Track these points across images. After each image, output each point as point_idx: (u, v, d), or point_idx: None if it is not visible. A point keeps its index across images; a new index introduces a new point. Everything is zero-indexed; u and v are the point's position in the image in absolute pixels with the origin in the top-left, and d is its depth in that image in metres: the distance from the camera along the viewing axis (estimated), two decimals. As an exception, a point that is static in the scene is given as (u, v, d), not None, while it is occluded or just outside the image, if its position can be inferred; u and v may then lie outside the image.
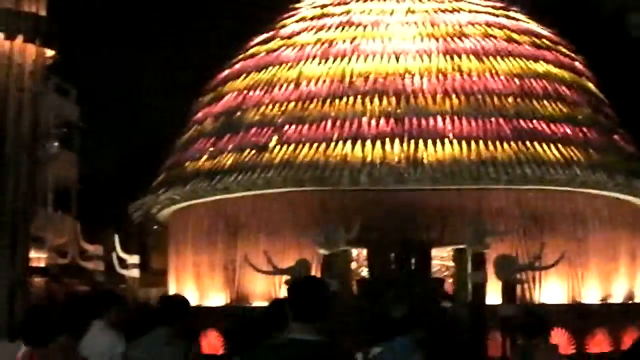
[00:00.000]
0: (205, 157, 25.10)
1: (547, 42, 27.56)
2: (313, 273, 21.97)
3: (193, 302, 24.09)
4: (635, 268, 25.74)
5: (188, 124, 27.78)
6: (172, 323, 7.86)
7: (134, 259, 27.09)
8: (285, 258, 22.94)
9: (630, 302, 24.92)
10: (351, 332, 15.62)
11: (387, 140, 23.28)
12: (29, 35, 18.85)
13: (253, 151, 24.12)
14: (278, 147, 23.91)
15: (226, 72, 28.11)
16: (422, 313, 18.29)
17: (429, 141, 23.18)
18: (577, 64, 27.63)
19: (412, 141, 23.22)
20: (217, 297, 24.28)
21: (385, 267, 19.03)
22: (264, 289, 23.26)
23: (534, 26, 28.18)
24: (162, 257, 30.13)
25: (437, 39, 25.85)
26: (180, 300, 8.19)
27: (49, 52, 19.44)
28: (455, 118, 23.80)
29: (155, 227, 29.84)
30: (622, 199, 25.41)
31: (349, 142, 23.38)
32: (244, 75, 26.98)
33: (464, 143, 23.24)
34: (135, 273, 26.77)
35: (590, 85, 27.37)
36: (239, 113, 25.70)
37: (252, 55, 27.73)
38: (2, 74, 18.57)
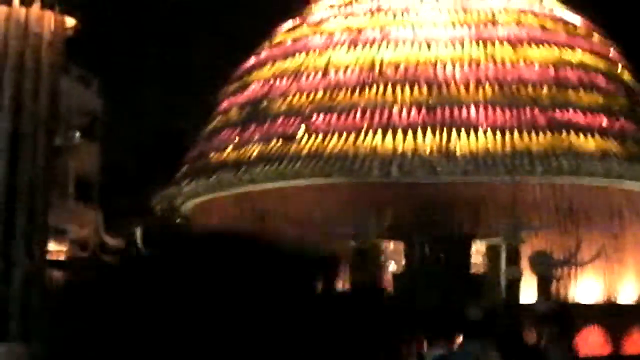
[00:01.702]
0: (230, 147, 24.48)
1: (582, 30, 26.77)
2: (343, 266, 21.35)
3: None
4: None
5: (212, 114, 27.13)
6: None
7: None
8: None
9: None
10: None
11: (419, 130, 22.59)
12: (47, 1, 16.40)
13: (280, 141, 23.50)
14: (306, 137, 23.28)
15: (252, 60, 27.45)
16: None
17: (462, 131, 22.49)
18: (612, 52, 26.80)
19: (445, 132, 22.53)
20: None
21: (422, 261, 18.32)
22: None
23: (567, 14, 27.35)
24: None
25: (469, 26, 25.12)
26: None
27: (70, 22, 17.17)
28: (489, 108, 23.09)
29: (178, 219, 29.20)
30: (658, 193, 24.61)
31: (379, 133, 22.73)
32: (270, 63, 26.33)
33: (497, 133, 22.52)
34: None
35: (626, 74, 26.54)
36: (265, 102, 25.07)
37: (279, 44, 27.07)
38: (17, 44, 16.32)
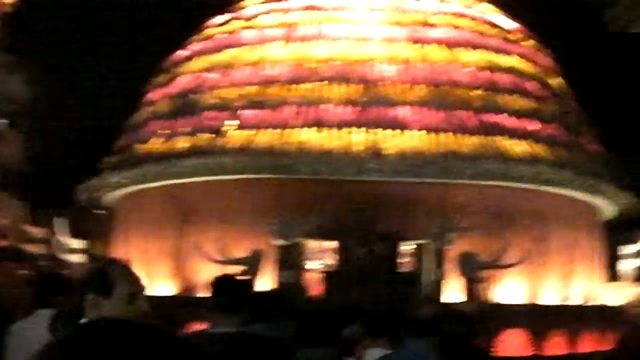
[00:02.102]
0: (157, 139, 23.97)
1: (516, 36, 26.85)
2: (267, 264, 21.06)
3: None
4: (593, 270, 25.14)
5: (140, 106, 26.58)
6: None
7: (79, 244, 25.82)
8: (238, 248, 21.98)
9: (587, 304, 24.28)
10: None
11: (350, 128, 22.33)
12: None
13: (208, 135, 23.05)
14: (235, 131, 22.85)
15: (182, 53, 26.97)
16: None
17: (393, 131, 22.30)
18: (545, 58, 26.92)
19: (376, 131, 22.30)
20: (165, 286, 23.14)
21: (354, 260, 18.02)
22: (215, 278, 22.19)
23: (503, 19, 27.40)
24: (104, 243, 28.97)
25: (404, 27, 24.99)
26: None
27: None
28: (421, 108, 22.94)
29: (100, 211, 28.56)
30: (581, 200, 24.80)
31: (309, 129, 22.40)
32: (200, 56, 25.88)
33: (428, 134, 22.37)
34: (80, 259, 25.51)
35: (558, 81, 26.67)
36: (194, 95, 24.60)
37: (210, 37, 26.65)
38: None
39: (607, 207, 25.88)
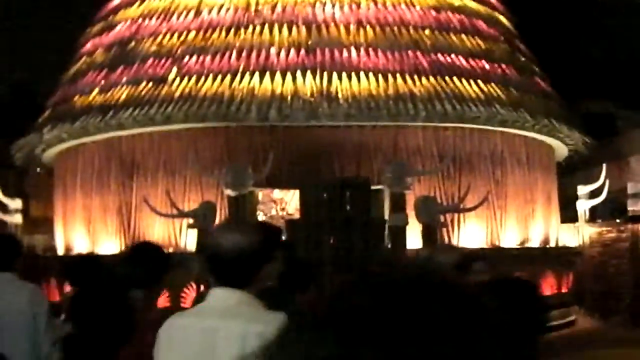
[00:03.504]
0: (96, 90, 22.83)
1: (463, -26, 26.06)
2: (218, 216, 20.19)
3: (84, 250, 21.96)
4: (550, 211, 24.79)
5: (75, 56, 25.30)
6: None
7: (16, 203, 24.57)
8: (187, 200, 21.11)
9: (546, 246, 23.96)
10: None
11: (298, 72, 21.44)
12: None
13: (150, 84, 21.98)
14: (178, 79, 21.83)
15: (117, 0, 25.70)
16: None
17: (343, 74, 21.47)
18: (490, -4, 26.26)
19: (325, 74, 21.45)
20: (110, 244, 22.13)
21: (320, 207, 17.14)
22: (164, 234, 21.28)
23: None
24: (42, 202, 27.80)
25: (349, -34, 24.02)
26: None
27: None
28: (370, 50, 22.14)
29: (38, 169, 27.30)
30: (537, 140, 24.37)
31: (256, 75, 21.47)
32: (138, 2, 24.66)
33: (379, 77, 21.59)
34: (17, 219, 24.28)
35: (505, 20, 26.06)
36: (133, 43, 23.46)
37: (147, -18, 25.37)
38: None
39: (561, 147, 25.50)
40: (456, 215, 21.43)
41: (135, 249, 6.36)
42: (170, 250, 20.18)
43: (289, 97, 20.95)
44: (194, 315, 4.28)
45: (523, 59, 25.10)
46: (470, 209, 20.46)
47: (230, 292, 4.03)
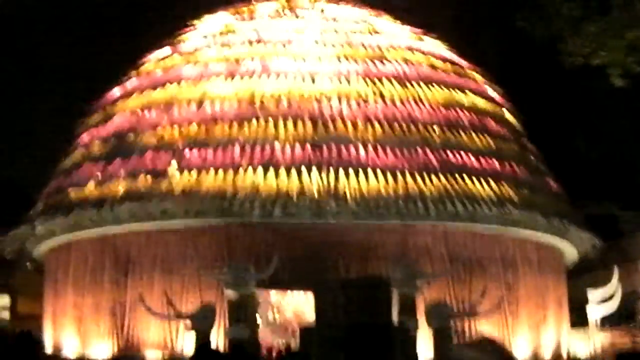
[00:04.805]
0: (92, 183, 21.86)
1: (469, 72, 25.61)
2: (219, 318, 19.11)
3: (73, 352, 20.76)
4: (562, 317, 23.77)
5: (71, 148, 24.45)
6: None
7: (3, 299, 23.39)
8: (185, 300, 20.01)
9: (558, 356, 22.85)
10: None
11: (304, 169, 20.59)
12: None
13: (149, 177, 21.07)
14: (178, 173, 20.92)
15: (116, 90, 25.04)
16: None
17: (351, 171, 20.63)
18: (497, 95, 25.73)
19: (332, 171, 20.60)
20: (102, 346, 20.91)
21: (337, 311, 15.96)
22: (159, 337, 20.12)
23: (453, 54, 26.19)
24: (30, 299, 26.56)
25: (355, 61, 23.55)
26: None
27: None
28: (378, 147, 21.36)
29: (27, 264, 26.17)
30: (547, 244, 23.49)
31: (260, 170, 20.61)
32: (137, 94, 24.00)
33: (388, 175, 20.77)
34: (4, 315, 23.07)
35: (512, 117, 25.47)
36: (132, 135, 22.64)
37: (147, 73, 24.80)
38: None
39: (569, 251, 24.63)
40: (469, 321, 20.36)
41: None
42: (165, 354, 19.06)
43: (295, 194, 20.06)
44: None
45: (532, 158, 24.42)
46: (483, 315, 19.44)
47: None
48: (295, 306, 22.39)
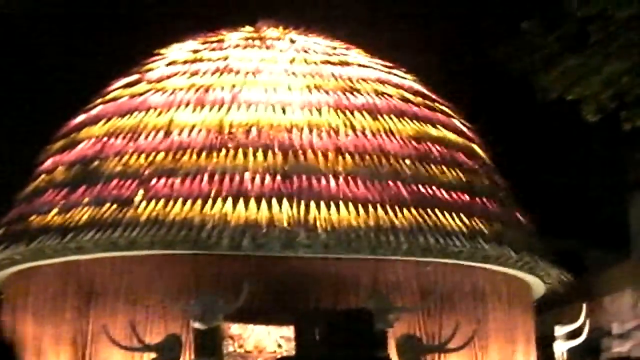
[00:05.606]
0: (55, 210, 21.36)
1: (440, 105, 25.52)
2: (184, 350, 18.61)
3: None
4: (529, 353, 23.57)
5: (34, 174, 23.89)
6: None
7: (-41, 330, 22.64)
8: (149, 332, 19.49)
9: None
10: None
11: (274, 199, 20.24)
12: None
13: (114, 206, 20.59)
14: (144, 202, 20.48)
15: (81, 117, 24.64)
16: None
17: (322, 203, 20.33)
18: (468, 129, 25.66)
19: (302, 202, 20.27)
20: (62, 378, 20.30)
21: (316, 345, 15.51)
22: (122, 369, 19.56)
23: (423, 87, 26.11)
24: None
25: (326, 92, 23.34)
26: None
27: None
28: (349, 179, 21.10)
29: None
30: (517, 277, 23.34)
31: (229, 200, 20.24)
32: (103, 120, 23.57)
33: (360, 207, 20.49)
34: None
35: (482, 153, 25.38)
36: (97, 162, 22.18)
37: (114, 99, 24.38)
38: None
39: (537, 285, 24.49)
40: (439, 356, 20.07)
41: None
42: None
43: (264, 225, 19.69)
44: None
45: (503, 192, 24.32)
46: (455, 349, 19.15)
47: None
48: (256, 339, 21.90)
